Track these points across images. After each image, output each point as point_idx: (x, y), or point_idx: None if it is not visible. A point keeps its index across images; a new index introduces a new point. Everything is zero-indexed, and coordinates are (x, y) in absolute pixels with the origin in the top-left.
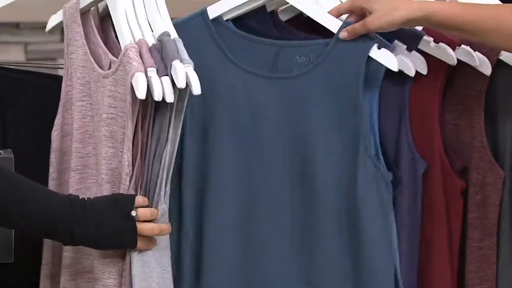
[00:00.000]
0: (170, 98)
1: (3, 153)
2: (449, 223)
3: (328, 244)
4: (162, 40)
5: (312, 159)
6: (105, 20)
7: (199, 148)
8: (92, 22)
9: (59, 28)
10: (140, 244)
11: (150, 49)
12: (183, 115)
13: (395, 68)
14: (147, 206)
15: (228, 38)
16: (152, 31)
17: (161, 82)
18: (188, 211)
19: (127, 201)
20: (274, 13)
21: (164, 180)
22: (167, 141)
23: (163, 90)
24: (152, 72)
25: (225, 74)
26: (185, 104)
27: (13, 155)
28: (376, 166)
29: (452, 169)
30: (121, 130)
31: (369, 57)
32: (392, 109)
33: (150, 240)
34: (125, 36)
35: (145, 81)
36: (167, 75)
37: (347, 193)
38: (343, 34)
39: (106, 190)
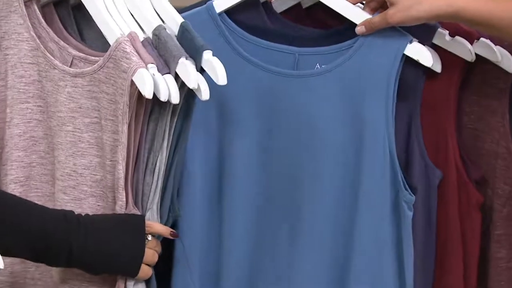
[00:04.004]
0: (176, 99)
1: None
2: (465, 241)
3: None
4: (160, 34)
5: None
6: (48, 9)
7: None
8: (38, 12)
9: None
10: (140, 272)
11: (143, 44)
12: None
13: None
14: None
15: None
16: (138, 23)
17: (165, 81)
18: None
19: (138, 223)
20: (267, 4)
21: (158, 195)
22: (160, 149)
23: (168, 90)
24: (153, 69)
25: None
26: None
27: None
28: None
29: (469, 179)
30: (111, 136)
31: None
32: (402, 110)
33: (149, 269)
34: (112, 28)
35: (151, 79)
36: (169, 73)
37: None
38: (360, 29)
39: (89, 205)
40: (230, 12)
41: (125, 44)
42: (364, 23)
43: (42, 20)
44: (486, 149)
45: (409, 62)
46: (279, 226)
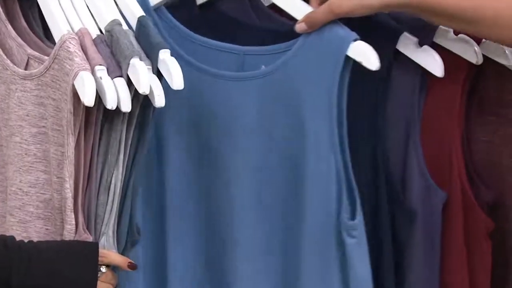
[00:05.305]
0: (126, 106)
1: None
2: (472, 274)
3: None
4: (113, 30)
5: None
6: (10, 1)
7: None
8: None
9: None
10: None
11: (95, 42)
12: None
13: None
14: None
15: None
16: (94, 17)
17: (114, 85)
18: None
19: (90, 252)
20: None
21: (114, 217)
22: (116, 163)
23: (117, 96)
24: (101, 71)
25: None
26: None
27: None
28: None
29: (477, 201)
30: (58, 149)
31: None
32: (398, 120)
33: None
34: (59, 23)
35: (94, 83)
36: (121, 76)
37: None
38: (300, 27)
39: (35, 229)
40: (209, 4)
41: (70, 42)
42: (304, 19)
43: (2, 14)
44: (504, 165)
45: (406, 64)
46: (221, 240)
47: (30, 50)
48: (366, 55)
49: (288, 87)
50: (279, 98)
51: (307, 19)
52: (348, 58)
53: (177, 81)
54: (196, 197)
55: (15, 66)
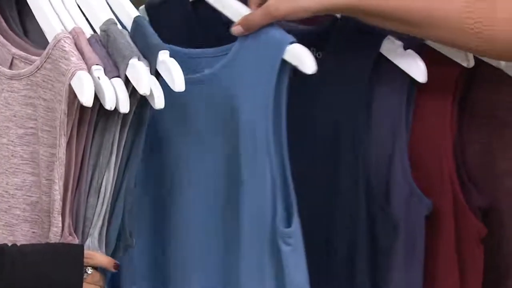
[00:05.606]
0: (125, 107)
1: None
2: (464, 280)
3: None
4: (109, 30)
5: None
6: None
7: None
8: None
9: None
10: None
11: (89, 42)
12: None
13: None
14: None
15: None
16: (86, 17)
17: (113, 85)
18: None
19: (76, 254)
20: None
21: (102, 219)
22: (107, 165)
23: (116, 96)
24: (98, 71)
25: None
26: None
27: None
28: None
29: (469, 206)
30: (48, 151)
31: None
32: (383, 125)
33: None
34: (52, 22)
35: (92, 83)
36: (118, 77)
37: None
38: (236, 29)
39: (22, 232)
40: (207, 2)
41: (65, 41)
42: (241, 21)
43: None
44: (499, 167)
45: (392, 67)
46: (173, 240)
47: (14, 50)
48: (301, 58)
49: (227, 90)
50: (221, 102)
51: (244, 21)
52: (285, 61)
53: (178, 83)
54: (151, 198)
55: (0, 66)
